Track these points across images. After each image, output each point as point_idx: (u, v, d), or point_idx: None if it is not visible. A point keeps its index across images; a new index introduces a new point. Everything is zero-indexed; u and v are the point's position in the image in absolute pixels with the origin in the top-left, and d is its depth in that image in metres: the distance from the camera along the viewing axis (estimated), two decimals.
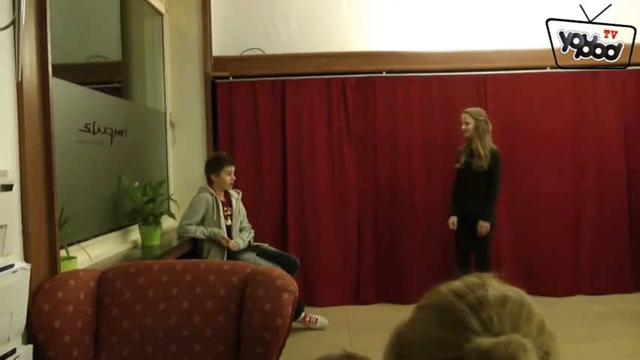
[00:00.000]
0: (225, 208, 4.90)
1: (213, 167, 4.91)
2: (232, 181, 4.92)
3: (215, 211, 4.78)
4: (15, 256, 2.45)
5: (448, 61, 5.78)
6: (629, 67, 5.47)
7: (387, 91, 5.79)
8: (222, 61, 5.73)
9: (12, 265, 2.35)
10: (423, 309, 0.94)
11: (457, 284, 0.94)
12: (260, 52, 5.81)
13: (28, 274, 2.43)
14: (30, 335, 2.49)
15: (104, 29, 4.91)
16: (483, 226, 4.99)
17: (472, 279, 0.95)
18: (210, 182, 4.92)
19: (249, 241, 4.97)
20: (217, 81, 5.74)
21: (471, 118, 5.06)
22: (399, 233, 5.76)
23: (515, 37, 5.81)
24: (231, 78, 5.75)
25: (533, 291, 5.33)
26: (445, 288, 0.95)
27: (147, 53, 5.46)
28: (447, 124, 5.74)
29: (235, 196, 5.02)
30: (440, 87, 5.81)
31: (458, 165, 5.17)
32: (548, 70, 5.74)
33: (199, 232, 4.69)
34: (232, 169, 4.91)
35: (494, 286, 0.92)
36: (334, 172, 5.78)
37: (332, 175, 5.77)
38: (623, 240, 5.82)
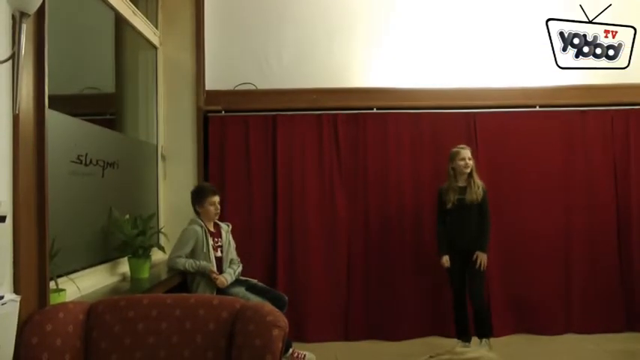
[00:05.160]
0: (216, 239, 4.90)
1: (196, 198, 4.94)
2: (217, 212, 4.94)
3: (204, 242, 4.77)
4: (5, 287, 2.43)
5: (438, 98, 5.84)
6: (616, 107, 5.59)
7: (378, 128, 5.83)
8: (214, 95, 5.77)
9: (2, 297, 2.33)
10: None
11: None
12: (252, 87, 5.85)
13: (17, 305, 2.41)
14: None
15: (98, 61, 4.94)
16: (483, 258, 5.07)
17: None
18: (197, 214, 4.93)
19: (238, 274, 4.96)
20: (209, 115, 5.77)
21: (471, 153, 5.20)
22: (389, 269, 5.74)
23: (504, 75, 5.89)
24: (223, 112, 5.78)
25: (523, 329, 5.38)
26: None
27: (140, 86, 5.49)
28: (437, 161, 5.77)
29: (225, 228, 5.03)
30: (430, 124, 5.86)
31: (449, 205, 5.19)
32: (538, 108, 5.82)
33: (188, 265, 4.67)
34: (216, 199, 4.91)
35: None
36: (324, 207, 5.78)
37: (322, 210, 5.78)
38: (614, 278, 5.81)
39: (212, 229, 4.92)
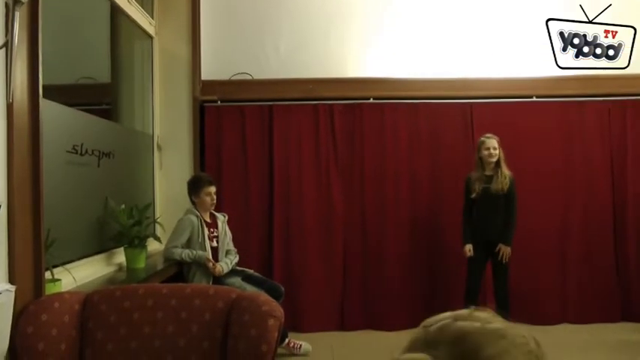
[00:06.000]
0: (212, 230, 4.90)
1: (192, 188, 4.93)
2: (213, 202, 4.92)
3: (200, 232, 4.77)
4: (0, 277, 2.42)
5: (435, 88, 5.83)
6: (614, 98, 5.58)
7: (375, 118, 5.82)
8: (210, 85, 5.75)
9: None
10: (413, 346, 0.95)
11: (445, 316, 0.95)
12: (249, 77, 5.83)
13: (12, 296, 2.41)
14: (13, 358, 2.46)
15: (94, 51, 4.93)
16: (506, 251, 5.04)
17: (461, 312, 0.96)
18: (193, 204, 4.93)
19: (234, 265, 4.97)
20: (205, 105, 5.76)
21: (497, 143, 5.13)
22: (385, 259, 5.75)
23: (502, 65, 5.88)
24: (219, 102, 5.77)
25: (519, 319, 5.35)
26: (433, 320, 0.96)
27: (136, 76, 5.48)
28: (434, 151, 5.78)
29: (221, 219, 5.03)
30: (427, 114, 5.85)
31: (474, 195, 5.15)
32: (535, 99, 5.82)
33: (185, 255, 4.66)
34: (212, 189, 4.89)
35: (483, 319, 0.93)
36: (321, 197, 5.78)
37: (319, 200, 5.77)
38: (610, 269, 5.83)
39: (208, 220, 4.92)
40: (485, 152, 5.13)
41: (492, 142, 5.15)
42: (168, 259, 4.70)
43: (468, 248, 5.19)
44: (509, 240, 5.07)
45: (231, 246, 5.05)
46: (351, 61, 5.93)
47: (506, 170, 5.12)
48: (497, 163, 5.12)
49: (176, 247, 4.71)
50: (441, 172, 5.73)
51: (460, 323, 0.91)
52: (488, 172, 5.14)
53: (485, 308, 0.99)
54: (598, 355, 4.91)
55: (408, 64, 5.89)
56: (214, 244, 4.89)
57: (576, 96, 5.82)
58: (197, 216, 4.81)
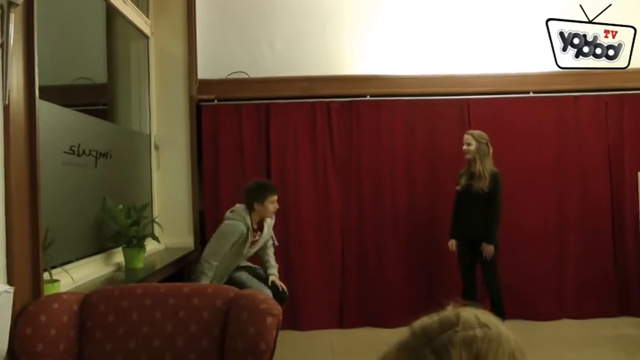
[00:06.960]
0: (255, 235, 4.77)
1: (257, 196, 4.69)
2: (275, 210, 4.77)
3: (241, 243, 4.64)
4: None
5: (432, 85, 5.82)
6: (610, 92, 5.59)
7: (372, 115, 5.82)
8: (207, 84, 5.74)
9: None
10: (399, 351, 0.95)
11: (432, 322, 0.96)
12: (245, 76, 5.83)
13: (11, 297, 2.41)
14: (12, 359, 2.47)
15: (90, 51, 4.92)
16: (487, 249, 5.00)
17: (449, 315, 0.96)
18: (250, 209, 4.70)
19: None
20: (202, 104, 5.75)
21: (473, 139, 5.07)
22: (384, 256, 5.75)
23: (498, 61, 5.87)
24: (216, 101, 5.76)
25: (518, 315, 5.34)
26: (419, 327, 0.96)
27: (132, 75, 5.47)
28: (431, 148, 5.78)
29: (268, 222, 4.87)
30: (423, 111, 5.84)
31: (458, 188, 5.17)
32: (531, 94, 5.82)
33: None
34: (276, 197, 4.74)
35: (467, 324, 0.93)
36: (318, 195, 5.78)
37: (316, 198, 5.77)
38: (608, 264, 5.83)
39: (255, 225, 4.76)
40: (463, 147, 5.11)
41: (467, 137, 5.11)
42: (202, 267, 4.58)
43: (451, 243, 5.21)
44: (490, 238, 5.03)
45: (269, 243, 4.99)
46: (347, 58, 5.92)
47: (481, 169, 5.01)
48: (482, 160, 5.02)
49: (217, 255, 4.56)
50: (437, 168, 5.73)
51: (446, 335, 0.91)
52: (473, 169, 5.10)
53: (472, 305, 0.99)
54: (597, 349, 4.92)
55: (405, 61, 5.88)
56: (251, 251, 4.83)
57: (573, 91, 5.82)
58: (247, 227, 4.63)
